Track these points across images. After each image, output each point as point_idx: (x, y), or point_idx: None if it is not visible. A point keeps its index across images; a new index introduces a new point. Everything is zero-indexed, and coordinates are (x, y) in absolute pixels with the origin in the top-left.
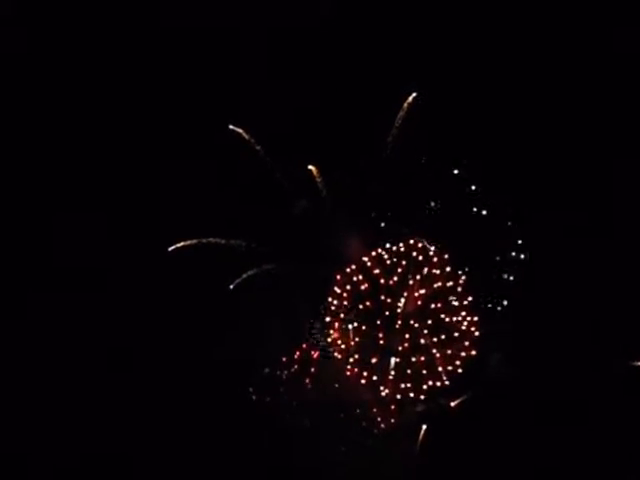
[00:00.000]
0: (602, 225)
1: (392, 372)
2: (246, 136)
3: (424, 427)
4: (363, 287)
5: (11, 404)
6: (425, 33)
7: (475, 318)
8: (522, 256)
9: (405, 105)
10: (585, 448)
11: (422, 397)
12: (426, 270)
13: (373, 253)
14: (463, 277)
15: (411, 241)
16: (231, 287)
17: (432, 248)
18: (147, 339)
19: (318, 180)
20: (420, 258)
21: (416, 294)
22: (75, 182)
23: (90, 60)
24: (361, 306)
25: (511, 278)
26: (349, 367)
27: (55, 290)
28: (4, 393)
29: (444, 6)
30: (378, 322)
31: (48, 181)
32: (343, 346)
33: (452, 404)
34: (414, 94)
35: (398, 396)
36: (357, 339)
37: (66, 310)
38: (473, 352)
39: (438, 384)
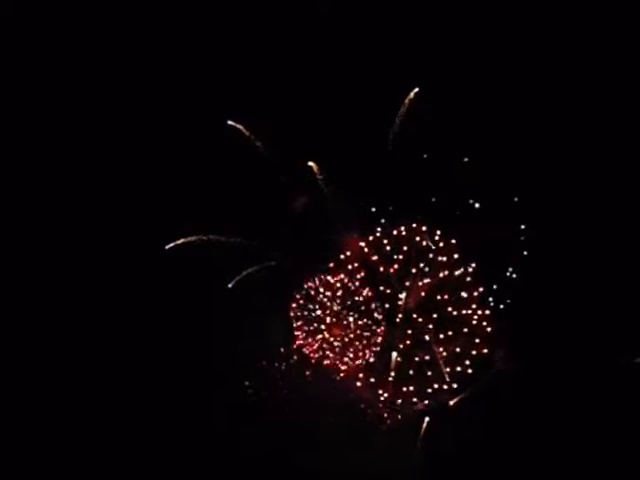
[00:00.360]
0: (605, 224)
1: (392, 372)
2: (246, 132)
3: (427, 419)
4: (359, 276)
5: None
6: (427, 27)
7: (487, 312)
8: (525, 253)
9: (406, 101)
10: (587, 443)
11: (426, 402)
12: (431, 257)
13: (370, 238)
14: (473, 264)
15: (414, 225)
16: (230, 285)
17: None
18: (143, 337)
19: (318, 177)
20: (424, 244)
21: (420, 284)
22: (74, 180)
23: (88, 58)
24: (357, 298)
25: (514, 276)
26: (343, 368)
27: (55, 290)
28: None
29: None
30: (376, 316)
31: (48, 181)
32: (336, 344)
33: (451, 403)
34: (416, 89)
35: (399, 401)
36: (352, 335)
37: (66, 309)
38: (485, 350)
39: (445, 387)
